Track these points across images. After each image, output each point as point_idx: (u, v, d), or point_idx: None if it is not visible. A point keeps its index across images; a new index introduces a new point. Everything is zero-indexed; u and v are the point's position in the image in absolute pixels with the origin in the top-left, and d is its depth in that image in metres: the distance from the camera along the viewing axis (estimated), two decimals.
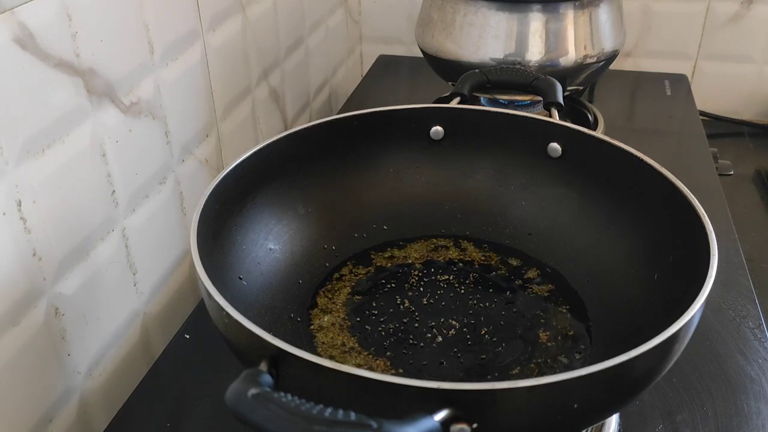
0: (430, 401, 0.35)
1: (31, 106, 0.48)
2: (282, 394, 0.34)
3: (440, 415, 0.34)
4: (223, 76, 0.75)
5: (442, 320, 0.57)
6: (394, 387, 0.35)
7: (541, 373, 0.52)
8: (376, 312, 0.58)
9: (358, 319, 0.57)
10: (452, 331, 0.56)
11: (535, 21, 0.84)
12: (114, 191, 0.58)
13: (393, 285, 0.61)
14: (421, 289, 0.61)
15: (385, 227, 0.66)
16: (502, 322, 0.57)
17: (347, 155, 0.64)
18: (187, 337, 0.65)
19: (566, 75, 0.89)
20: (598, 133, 0.61)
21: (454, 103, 0.70)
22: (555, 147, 0.62)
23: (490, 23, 0.84)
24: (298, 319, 0.57)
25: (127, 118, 0.59)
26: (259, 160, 0.58)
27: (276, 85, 0.89)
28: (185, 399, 0.59)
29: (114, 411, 0.58)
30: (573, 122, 0.64)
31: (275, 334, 0.38)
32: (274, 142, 0.59)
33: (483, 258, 0.64)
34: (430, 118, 0.65)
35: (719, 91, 1.18)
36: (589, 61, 0.88)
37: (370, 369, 0.52)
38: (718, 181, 0.87)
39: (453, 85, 0.76)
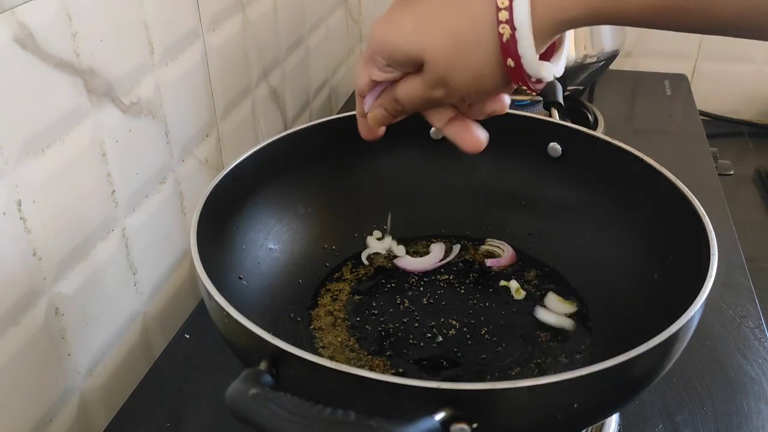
0: (430, 401, 0.35)
1: (31, 106, 0.48)
2: (282, 394, 0.34)
3: (440, 415, 0.34)
4: (223, 76, 0.75)
5: (442, 320, 0.57)
6: (394, 387, 0.35)
7: (541, 373, 0.52)
8: (376, 312, 0.58)
9: (358, 319, 0.58)
10: (452, 331, 0.56)
11: None
12: (114, 191, 0.58)
13: (393, 285, 0.61)
14: (421, 289, 0.61)
15: (385, 227, 0.66)
16: (502, 322, 0.57)
17: (347, 155, 0.64)
18: (187, 337, 0.65)
19: (566, 75, 0.89)
20: (598, 133, 0.61)
21: None
22: (555, 147, 0.62)
23: None
24: (298, 319, 0.57)
25: (127, 118, 0.59)
26: (259, 160, 0.58)
27: (276, 85, 0.89)
28: (185, 399, 0.59)
29: (114, 411, 0.58)
30: (573, 122, 0.64)
31: (275, 334, 0.38)
32: (274, 142, 0.59)
33: (483, 258, 0.64)
34: None
35: (719, 91, 1.18)
36: (589, 60, 0.89)
37: (370, 369, 0.52)
38: (718, 181, 0.87)
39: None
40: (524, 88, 0.43)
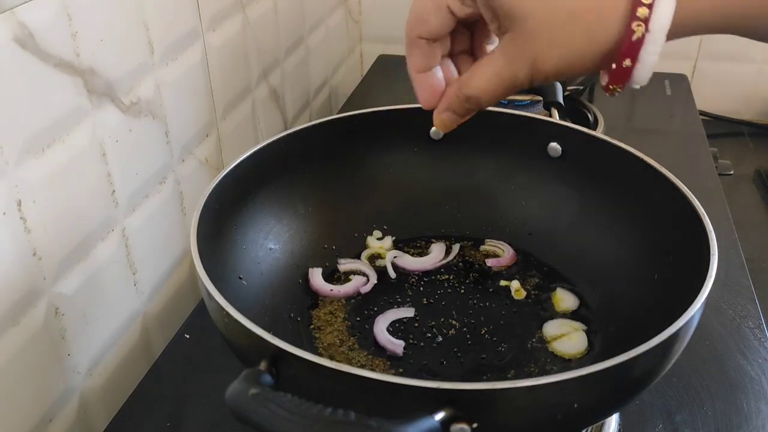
0: (430, 401, 0.35)
1: (31, 106, 0.48)
2: (282, 394, 0.34)
3: (440, 415, 0.34)
4: (223, 76, 0.75)
5: (442, 320, 0.57)
6: (394, 387, 0.35)
7: (541, 373, 0.52)
8: (375, 311, 0.58)
9: (358, 319, 0.58)
10: (452, 331, 0.56)
11: None
12: (114, 191, 0.58)
13: (393, 285, 0.61)
14: (421, 289, 0.61)
15: (385, 227, 0.66)
16: (502, 322, 0.57)
17: (347, 155, 0.64)
18: (187, 337, 0.65)
19: None
20: (598, 133, 0.61)
21: None
22: (555, 147, 0.62)
23: None
24: (298, 319, 0.57)
25: (127, 117, 0.59)
26: (259, 160, 0.58)
27: (276, 85, 0.89)
28: (185, 399, 0.59)
29: (114, 411, 0.58)
30: (573, 122, 0.64)
31: (275, 334, 0.38)
32: (274, 142, 0.59)
33: (483, 258, 0.64)
34: (429, 118, 0.65)
35: (719, 91, 1.18)
36: None
37: (370, 369, 0.52)
38: (718, 181, 0.87)
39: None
40: (609, 87, 0.39)
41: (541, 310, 0.58)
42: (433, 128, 0.65)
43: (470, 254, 0.64)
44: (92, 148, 0.55)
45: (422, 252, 0.64)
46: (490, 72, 0.40)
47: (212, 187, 0.52)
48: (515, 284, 0.60)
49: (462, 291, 0.60)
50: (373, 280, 0.61)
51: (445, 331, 0.56)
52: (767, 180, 1.00)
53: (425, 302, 0.59)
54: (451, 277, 0.62)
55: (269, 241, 0.59)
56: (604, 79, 0.40)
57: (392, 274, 0.62)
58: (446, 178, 0.66)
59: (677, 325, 0.39)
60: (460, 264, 0.63)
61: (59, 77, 0.51)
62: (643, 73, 0.38)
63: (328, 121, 0.62)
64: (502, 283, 0.61)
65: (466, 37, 0.46)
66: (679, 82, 1.13)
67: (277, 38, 0.88)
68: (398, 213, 0.66)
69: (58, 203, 0.52)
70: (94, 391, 0.59)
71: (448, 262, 0.63)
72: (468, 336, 0.56)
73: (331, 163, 0.63)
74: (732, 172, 0.95)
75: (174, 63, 0.65)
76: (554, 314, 0.57)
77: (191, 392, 0.59)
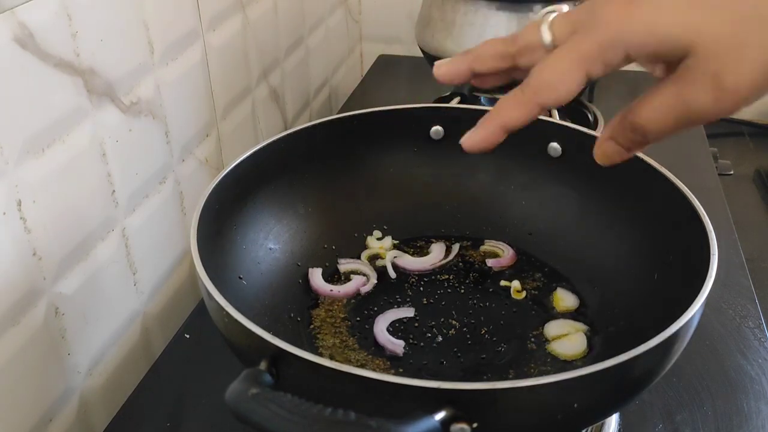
0: (430, 401, 0.35)
1: (31, 106, 0.48)
2: (282, 394, 0.34)
3: (440, 415, 0.34)
4: (223, 76, 0.75)
5: (442, 320, 0.57)
6: (394, 387, 0.35)
7: (541, 373, 0.52)
8: (375, 311, 0.58)
9: (358, 319, 0.58)
10: (452, 331, 0.56)
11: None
12: (114, 191, 0.58)
13: (393, 285, 0.61)
14: (421, 289, 0.61)
15: (385, 227, 0.66)
16: (502, 322, 0.57)
17: (347, 155, 0.64)
18: (187, 337, 0.65)
19: None
20: (598, 133, 0.61)
21: (454, 103, 0.70)
22: (555, 147, 0.62)
23: (491, 23, 0.84)
24: (298, 319, 0.57)
25: (127, 117, 0.59)
26: (259, 160, 0.58)
27: (276, 84, 0.89)
28: (185, 399, 0.59)
29: (114, 411, 0.58)
30: (573, 122, 0.64)
31: (275, 334, 0.38)
32: (274, 141, 0.59)
33: (483, 258, 0.64)
34: (430, 118, 0.65)
35: None
36: None
37: (370, 369, 0.52)
38: (718, 181, 0.87)
39: (453, 84, 0.76)
40: None
41: (541, 310, 0.58)
42: (433, 128, 0.65)
43: (470, 254, 0.64)
44: (92, 148, 0.55)
45: (422, 252, 0.64)
46: (659, 99, 0.35)
47: (212, 187, 0.52)
48: (515, 284, 0.60)
49: (462, 291, 0.60)
50: (373, 280, 0.61)
51: (445, 331, 0.56)
52: (767, 180, 1.00)
53: (425, 302, 0.59)
54: (451, 277, 0.62)
55: (269, 241, 0.59)
56: None
57: (392, 274, 0.62)
58: (446, 178, 0.66)
59: (677, 325, 0.39)
60: (460, 264, 0.63)
61: (59, 77, 0.51)
62: None
63: (328, 121, 0.62)
64: (502, 283, 0.61)
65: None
66: None
67: (277, 38, 0.88)
68: (398, 213, 0.66)
69: (58, 203, 0.52)
70: (94, 390, 0.59)
71: (448, 262, 0.63)
72: (468, 336, 0.56)
73: (331, 163, 0.63)
74: (732, 172, 0.95)
75: (174, 63, 0.65)
76: (554, 314, 0.57)
77: (191, 392, 0.59)
